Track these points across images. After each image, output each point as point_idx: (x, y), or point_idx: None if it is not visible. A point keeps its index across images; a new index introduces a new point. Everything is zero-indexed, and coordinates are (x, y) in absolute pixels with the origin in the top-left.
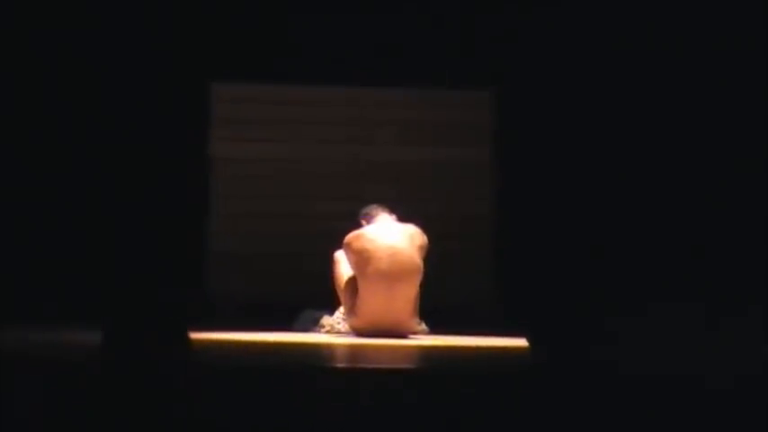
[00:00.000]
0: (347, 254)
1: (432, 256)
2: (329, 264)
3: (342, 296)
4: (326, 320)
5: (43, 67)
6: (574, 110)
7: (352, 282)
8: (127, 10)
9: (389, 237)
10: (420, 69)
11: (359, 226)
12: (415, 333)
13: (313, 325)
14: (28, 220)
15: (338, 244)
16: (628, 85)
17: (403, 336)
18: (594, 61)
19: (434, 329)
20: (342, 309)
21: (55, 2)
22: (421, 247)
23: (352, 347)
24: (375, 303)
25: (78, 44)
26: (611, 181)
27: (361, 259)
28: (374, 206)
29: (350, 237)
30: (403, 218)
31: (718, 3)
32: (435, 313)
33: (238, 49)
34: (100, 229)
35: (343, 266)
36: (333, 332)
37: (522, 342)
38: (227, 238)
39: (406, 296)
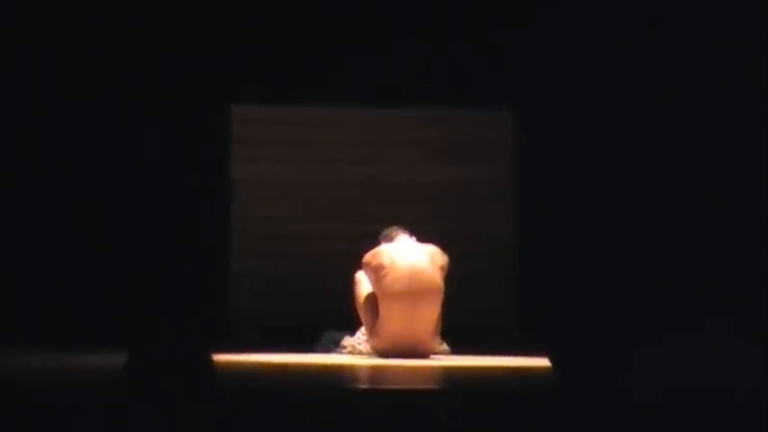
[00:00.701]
0: (366, 272)
1: (452, 275)
2: (350, 285)
3: (362, 317)
4: (348, 341)
5: (62, 88)
6: (595, 128)
7: (373, 302)
8: (146, 32)
9: (409, 256)
10: (438, 88)
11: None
12: (436, 353)
13: (334, 346)
14: (48, 242)
15: (359, 265)
16: (651, 102)
17: (424, 356)
18: (617, 79)
19: (456, 349)
20: (363, 329)
21: (75, 22)
22: (442, 267)
23: (374, 368)
24: (396, 324)
25: (96, 66)
26: (636, 199)
27: (379, 277)
28: (394, 228)
29: (367, 255)
30: (423, 239)
31: (747, 18)
32: (456, 333)
33: (257, 70)
34: (120, 252)
35: (364, 287)
36: (354, 353)
37: (544, 362)
38: (247, 260)
39: (427, 316)
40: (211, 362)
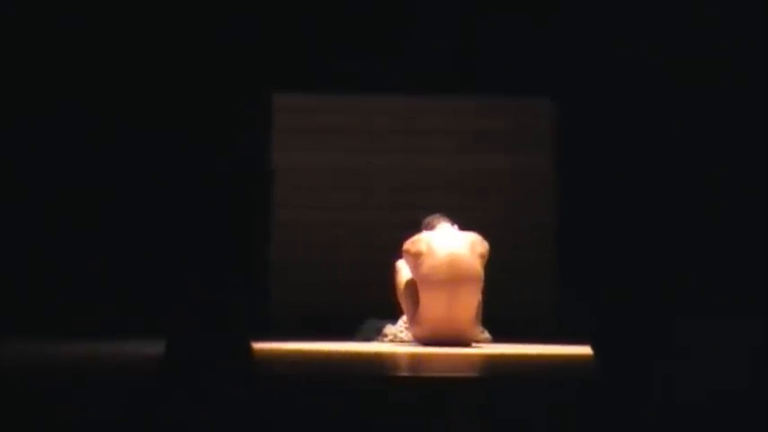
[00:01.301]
0: (406, 259)
1: (493, 264)
2: (391, 273)
3: (403, 305)
4: (389, 330)
5: (103, 77)
6: (636, 117)
7: (413, 290)
8: (188, 20)
9: (448, 244)
10: (481, 77)
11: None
12: (477, 341)
13: (376, 334)
14: (93, 230)
15: (399, 253)
16: (689, 91)
17: (465, 344)
18: (658, 68)
19: (497, 338)
20: (404, 318)
21: (115, 15)
22: (482, 255)
23: (415, 356)
24: (436, 311)
25: (137, 54)
26: (676, 188)
27: (417, 264)
28: (437, 215)
29: (407, 243)
30: (464, 227)
31: None
32: (498, 322)
33: (298, 59)
34: (161, 240)
35: (404, 275)
36: (396, 341)
37: (585, 350)
38: (288, 248)
39: (467, 303)
40: (251, 350)
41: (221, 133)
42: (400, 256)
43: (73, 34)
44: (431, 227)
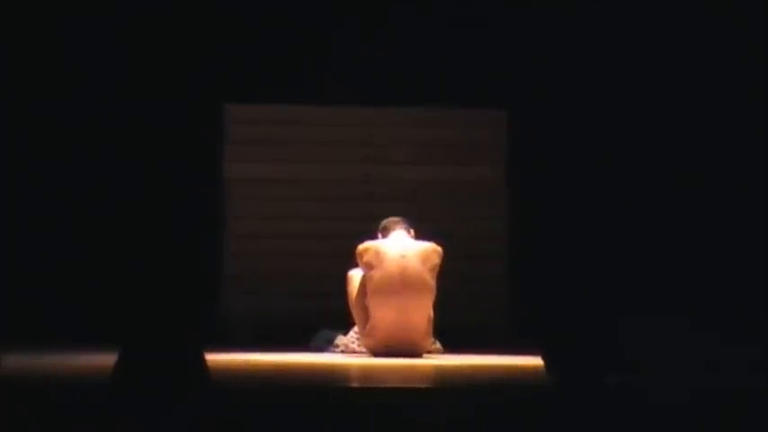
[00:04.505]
0: (359, 262)
1: (446, 275)
2: (344, 283)
3: (355, 316)
4: (341, 340)
5: (58, 89)
6: (589, 128)
7: (365, 301)
8: (141, 31)
9: (400, 254)
10: (435, 88)
11: (375, 239)
12: (429, 352)
13: (328, 345)
14: (43, 242)
15: (352, 264)
16: (644, 103)
17: (417, 355)
18: (611, 80)
19: (449, 349)
20: (356, 328)
21: (71, 22)
22: (433, 268)
23: (366, 367)
24: (387, 322)
25: (92, 66)
26: (628, 199)
27: (369, 275)
28: (394, 220)
29: (360, 247)
30: (421, 235)
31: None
32: (450, 332)
33: (252, 69)
34: (113, 252)
35: (357, 286)
36: (347, 352)
37: (536, 361)
38: (241, 259)
39: (418, 315)
40: (205, 362)
41: (174, 145)
42: (354, 266)
43: (21, 43)
44: (386, 232)
